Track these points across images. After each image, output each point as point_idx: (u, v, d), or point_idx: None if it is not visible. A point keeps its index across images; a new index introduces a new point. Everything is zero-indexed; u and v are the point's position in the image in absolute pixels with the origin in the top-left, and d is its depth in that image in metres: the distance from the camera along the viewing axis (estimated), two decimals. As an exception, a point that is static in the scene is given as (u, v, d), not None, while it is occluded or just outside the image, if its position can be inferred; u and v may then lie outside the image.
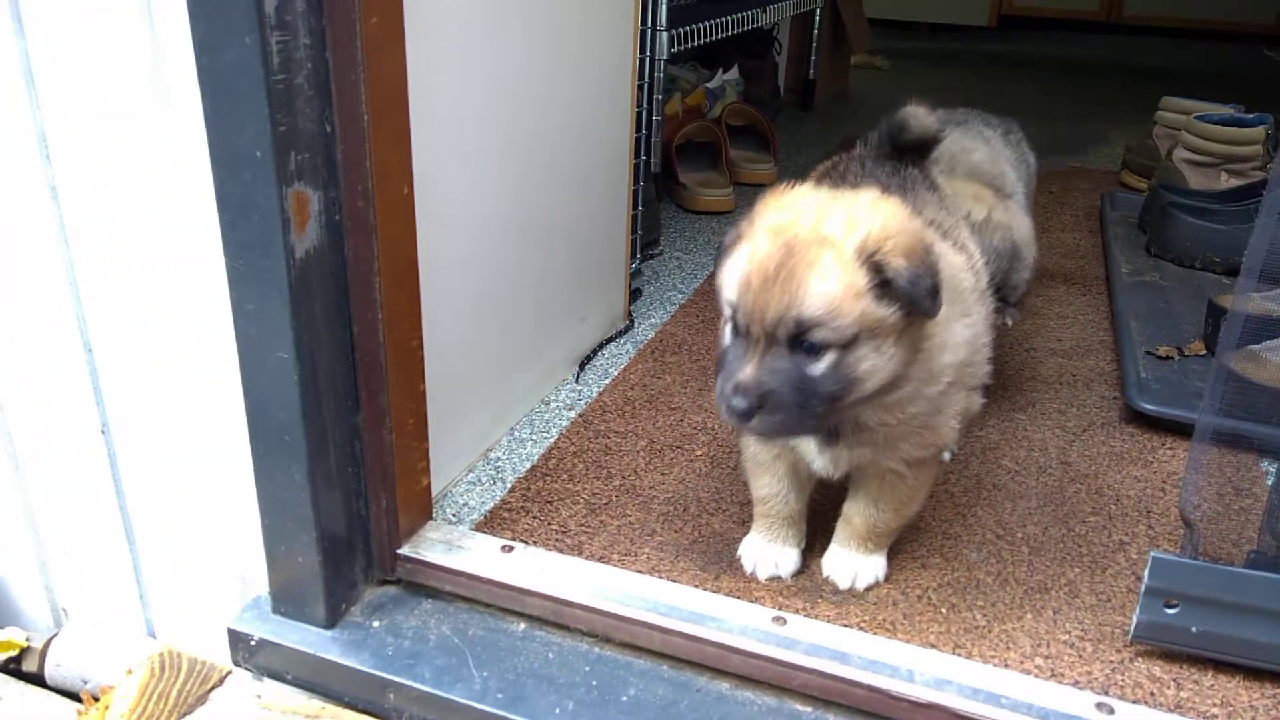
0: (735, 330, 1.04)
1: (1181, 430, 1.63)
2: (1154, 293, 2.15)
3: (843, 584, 1.27)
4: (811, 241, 1.00)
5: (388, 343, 1.11)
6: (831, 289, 0.98)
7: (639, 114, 1.98)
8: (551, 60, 1.51)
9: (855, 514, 1.26)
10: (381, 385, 1.12)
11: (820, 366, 1.00)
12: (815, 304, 0.98)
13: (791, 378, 1.00)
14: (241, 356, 1.05)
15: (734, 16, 2.53)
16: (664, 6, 2.07)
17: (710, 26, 2.37)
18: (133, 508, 1.29)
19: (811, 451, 1.18)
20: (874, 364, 1.02)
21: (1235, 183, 2.54)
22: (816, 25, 3.61)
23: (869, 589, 1.27)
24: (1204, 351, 1.85)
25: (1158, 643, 1.15)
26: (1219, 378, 1.17)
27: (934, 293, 1.00)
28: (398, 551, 1.23)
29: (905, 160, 1.37)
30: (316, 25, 0.93)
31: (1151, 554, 1.11)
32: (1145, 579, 1.11)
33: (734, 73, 3.09)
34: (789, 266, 0.99)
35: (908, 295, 0.99)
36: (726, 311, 1.06)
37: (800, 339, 1.00)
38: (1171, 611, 1.12)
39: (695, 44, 2.30)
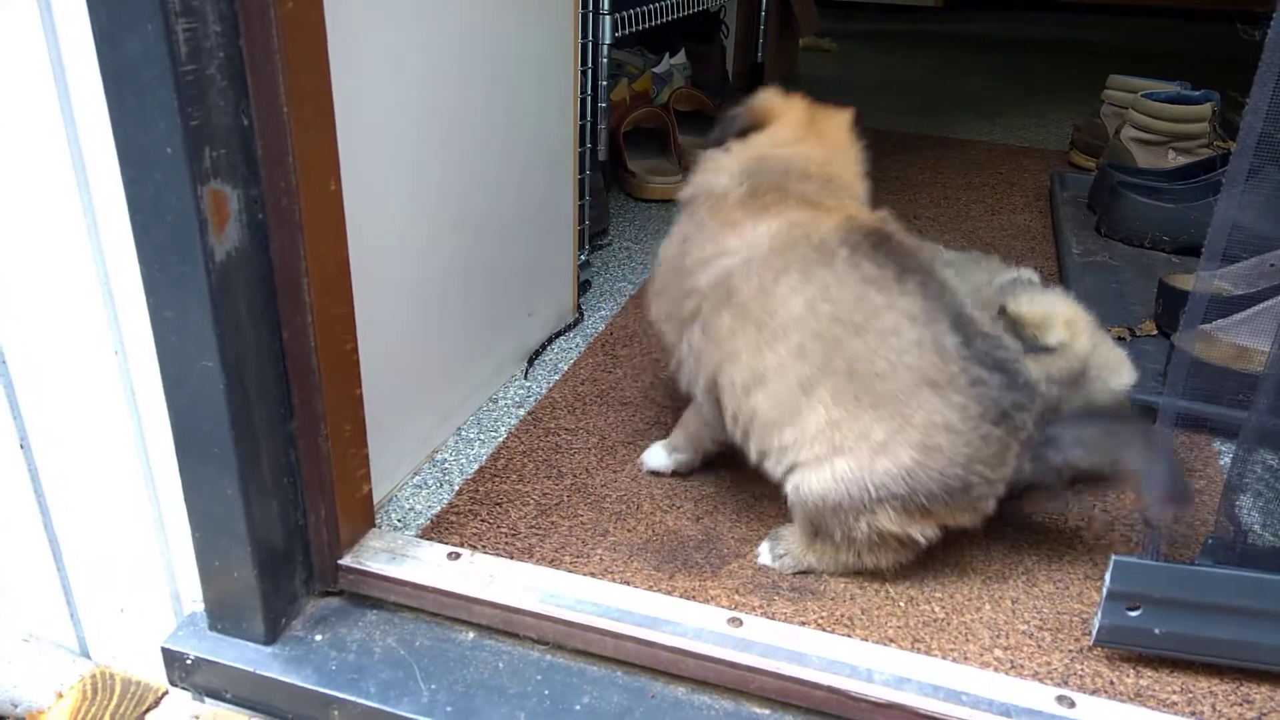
0: None
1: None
2: (1105, 273, 2.16)
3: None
4: None
5: (320, 347, 1.05)
6: None
7: (583, 101, 1.94)
8: (487, 46, 1.46)
9: None
10: (315, 391, 1.07)
11: None
12: None
13: None
14: (163, 367, 0.99)
15: (679, 0, 2.49)
16: (607, -11, 2.02)
17: (655, 9, 2.33)
18: (59, 524, 1.22)
19: None
20: None
21: (1183, 160, 2.55)
22: (764, 7, 3.57)
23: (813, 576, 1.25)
24: (1155, 332, 1.86)
25: (1121, 646, 1.12)
26: (1179, 365, 1.15)
27: None
28: (339, 562, 1.18)
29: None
30: (227, 10, 0.87)
31: (1112, 557, 1.08)
32: (1106, 582, 1.08)
33: (681, 57, 3.05)
34: None
35: None
36: None
37: None
38: (1134, 614, 1.09)
39: (640, 28, 2.25)
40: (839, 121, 1.36)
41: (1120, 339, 1.83)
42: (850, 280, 1.15)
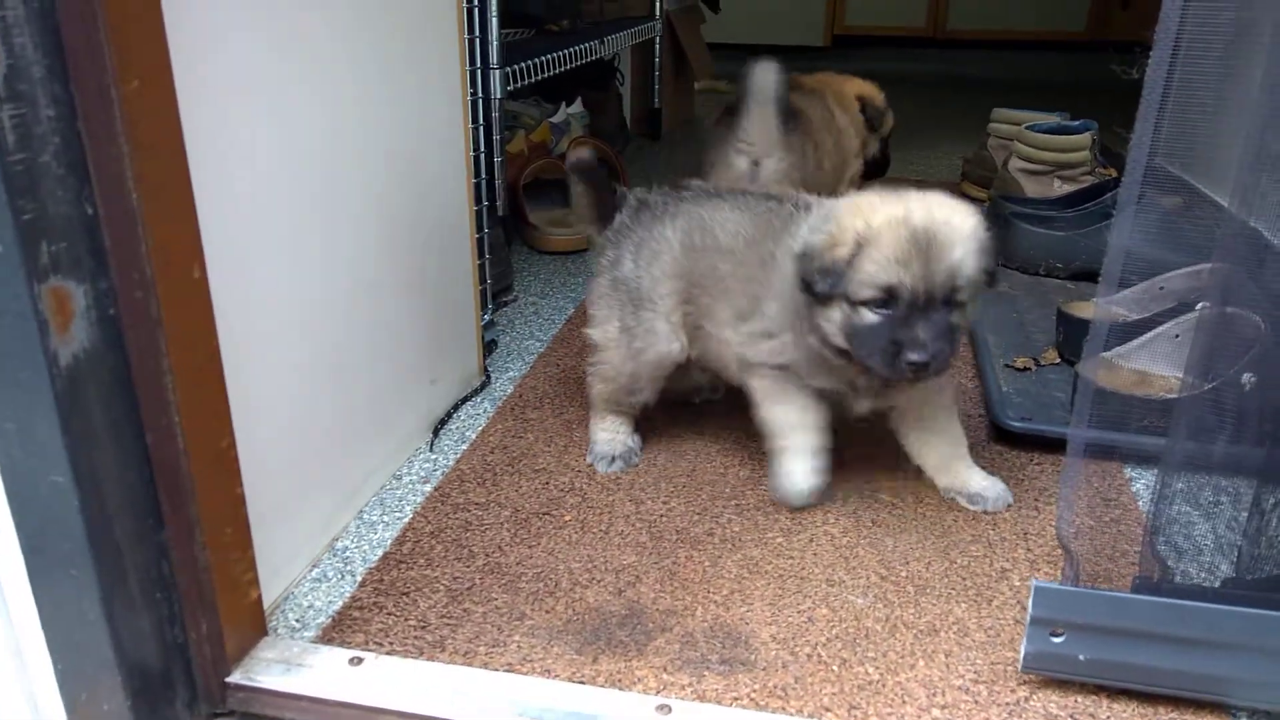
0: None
1: (1047, 445, 1.63)
2: (1005, 303, 2.18)
3: (992, 495, 1.48)
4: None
5: (191, 447, 0.96)
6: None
7: (477, 157, 1.88)
8: (369, 111, 1.39)
9: (941, 443, 1.50)
10: (187, 496, 0.98)
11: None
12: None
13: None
14: (7, 484, 0.89)
15: (572, 50, 2.46)
16: (495, 44, 1.98)
17: (548, 61, 2.29)
18: (-98, 661, 1.09)
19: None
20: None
21: (1068, 189, 2.63)
22: (658, 54, 3.59)
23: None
24: (1058, 360, 1.87)
25: (1047, 672, 1.11)
26: (1084, 401, 1.14)
27: None
28: (226, 680, 1.08)
29: None
30: (62, 94, 0.79)
31: (1034, 583, 1.07)
32: (1030, 609, 1.07)
33: (578, 106, 3.03)
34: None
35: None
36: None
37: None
38: (1058, 640, 1.09)
39: (533, 80, 2.21)
40: None
41: (1026, 369, 1.85)
42: None
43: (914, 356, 1.27)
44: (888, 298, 1.28)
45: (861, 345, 1.31)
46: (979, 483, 1.49)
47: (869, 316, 1.30)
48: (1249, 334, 1.34)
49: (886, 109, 2.56)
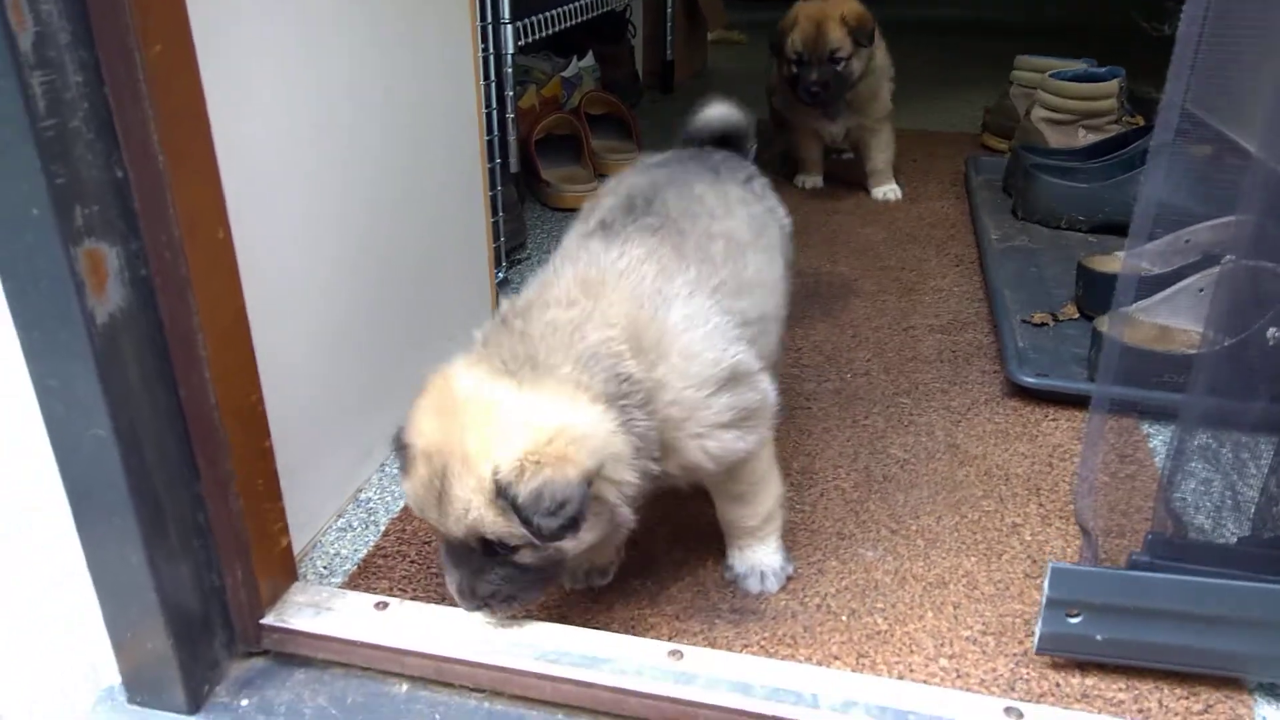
0: None
1: (1062, 400, 1.64)
2: (1024, 257, 2.18)
3: (754, 588, 1.24)
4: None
5: (221, 403, 0.99)
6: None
7: (489, 114, 1.88)
8: (381, 73, 1.40)
9: (724, 515, 1.25)
10: (221, 449, 1.01)
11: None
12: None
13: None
14: (53, 438, 0.93)
15: (583, 2, 2.44)
16: (507, -1, 1.97)
17: (559, 14, 2.28)
18: (-48, 605, 1.14)
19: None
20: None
21: (1093, 138, 2.58)
22: (670, 4, 3.54)
23: (780, 589, 1.24)
24: (1077, 315, 1.88)
25: (1063, 653, 1.12)
26: (1111, 353, 1.13)
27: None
28: (261, 621, 1.12)
29: None
30: (89, 59, 0.81)
31: (1050, 565, 1.06)
32: (1045, 590, 1.07)
33: (589, 59, 3.00)
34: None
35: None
36: None
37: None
38: (1074, 621, 1.08)
39: (544, 34, 2.20)
40: None
41: (1043, 325, 1.85)
42: None
43: (463, 606, 1.07)
44: None
45: None
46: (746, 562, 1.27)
47: None
48: (1275, 288, 1.33)
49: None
